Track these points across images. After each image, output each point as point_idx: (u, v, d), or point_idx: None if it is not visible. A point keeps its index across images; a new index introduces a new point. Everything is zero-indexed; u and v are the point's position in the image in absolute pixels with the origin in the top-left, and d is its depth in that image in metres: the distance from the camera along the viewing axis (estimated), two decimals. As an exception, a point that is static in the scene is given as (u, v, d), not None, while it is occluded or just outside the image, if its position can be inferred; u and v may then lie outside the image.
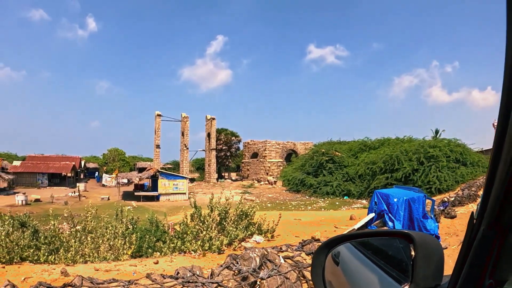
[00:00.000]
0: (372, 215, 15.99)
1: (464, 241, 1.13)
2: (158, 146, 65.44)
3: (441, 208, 20.00)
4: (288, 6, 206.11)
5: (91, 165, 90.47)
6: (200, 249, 12.57)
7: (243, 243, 13.99)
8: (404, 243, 1.55)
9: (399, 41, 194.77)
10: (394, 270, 1.75)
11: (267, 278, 7.84)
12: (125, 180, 55.74)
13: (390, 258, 1.88)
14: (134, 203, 39.72)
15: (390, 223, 14.95)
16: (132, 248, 12.69)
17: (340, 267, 2.26)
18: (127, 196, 47.42)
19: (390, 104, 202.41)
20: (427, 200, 16.09)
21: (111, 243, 12.53)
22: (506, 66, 0.81)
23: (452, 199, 22.97)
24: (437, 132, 46.94)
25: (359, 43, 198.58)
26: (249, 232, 15.15)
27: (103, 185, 66.53)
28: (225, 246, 13.34)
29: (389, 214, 15.12)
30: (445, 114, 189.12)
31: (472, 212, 1.12)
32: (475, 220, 1.08)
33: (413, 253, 1.39)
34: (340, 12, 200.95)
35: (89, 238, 12.43)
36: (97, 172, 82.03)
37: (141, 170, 62.82)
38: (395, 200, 15.04)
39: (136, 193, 46.18)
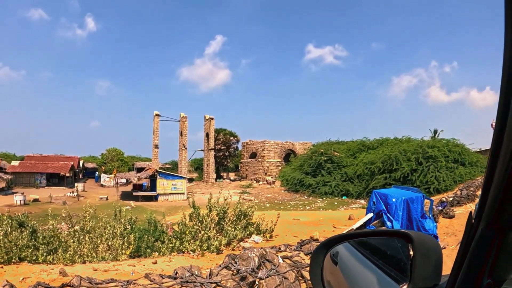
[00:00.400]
0: (370, 215, 15.99)
1: (462, 240, 1.13)
2: (156, 146, 65.48)
3: (440, 208, 20.03)
4: (287, 5, 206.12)
5: (89, 165, 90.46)
6: (199, 249, 12.58)
7: (241, 243, 13.99)
8: (402, 242, 1.56)
9: (398, 41, 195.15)
10: (393, 269, 1.75)
11: (265, 278, 7.84)
12: (124, 180, 55.64)
13: (389, 258, 1.89)
14: (132, 203, 39.74)
15: (388, 223, 14.96)
16: (131, 248, 12.69)
17: (339, 267, 2.27)
18: (126, 196, 47.45)
19: (389, 104, 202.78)
20: (426, 200, 16.10)
21: (110, 243, 12.53)
22: (504, 66, 0.81)
23: (451, 199, 22.98)
24: (435, 132, 47.05)
25: (358, 43, 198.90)
26: (248, 232, 15.15)
27: (102, 185, 66.52)
28: (224, 246, 13.35)
29: (388, 214, 15.12)
30: (443, 114, 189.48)
31: (471, 212, 1.12)
32: (473, 220, 1.08)
33: (411, 252, 1.40)
34: (339, 12, 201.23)
35: (87, 238, 12.42)
36: (96, 172, 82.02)
37: (139, 170, 62.72)
38: (394, 200, 15.04)
39: (134, 193, 46.17)
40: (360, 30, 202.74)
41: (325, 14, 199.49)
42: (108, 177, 68.15)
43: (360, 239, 2.29)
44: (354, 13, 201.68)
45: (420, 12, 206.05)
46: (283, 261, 9.20)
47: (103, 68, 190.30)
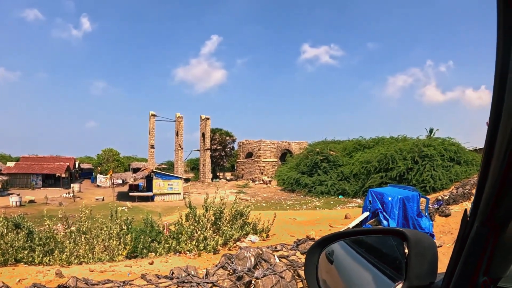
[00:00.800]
0: (366, 213, 16.05)
1: (457, 238, 1.13)
2: (152, 146, 65.34)
3: (436, 206, 20.10)
4: (282, 5, 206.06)
5: (85, 165, 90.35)
6: (195, 249, 12.57)
7: (238, 243, 14.00)
8: (397, 241, 1.55)
9: (394, 41, 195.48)
10: (388, 268, 1.75)
11: (262, 277, 7.85)
12: (120, 181, 55.74)
13: (384, 256, 1.88)
14: (128, 203, 39.51)
15: (384, 222, 15.00)
16: (127, 249, 12.67)
17: (334, 266, 2.26)
18: (122, 196, 47.35)
19: (385, 103, 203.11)
20: (422, 199, 16.16)
21: (106, 243, 12.51)
22: (496, 65, 0.81)
23: (447, 197, 23.10)
24: (431, 131, 47.07)
25: (354, 43, 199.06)
26: (244, 232, 15.16)
27: (98, 186, 66.38)
28: (220, 246, 13.35)
29: (384, 213, 15.17)
30: (439, 113, 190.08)
31: (466, 210, 1.13)
32: (468, 218, 1.08)
33: (406, 251, 1.39)
34: (335, 12, 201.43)
35: (83, 239, 12.41)
36: (93, 173, 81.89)
37: (135, 170, 62.84)
38: (390, 198, 15.10)
39: (130, 194, 46.09)
40: (356, 30, 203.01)
41: (320, 14, 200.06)
42: (104, 177, 68.01)
43: (355, 238, 2.29)
44: (350, 13, 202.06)
45: (416, 11, 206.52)
46: (280, 260, 9.21)
47: (99, 69, 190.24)
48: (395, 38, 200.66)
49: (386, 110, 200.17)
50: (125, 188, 53.30)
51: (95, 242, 12.51)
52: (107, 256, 11.92)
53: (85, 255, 11.78)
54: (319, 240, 2.15)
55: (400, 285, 1.46)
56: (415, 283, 1.33)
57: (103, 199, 44.62)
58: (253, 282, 7.82)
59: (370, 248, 2.11)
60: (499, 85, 0.82)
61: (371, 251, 2.07)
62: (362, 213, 16.65)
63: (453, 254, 1.14)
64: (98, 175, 72.10)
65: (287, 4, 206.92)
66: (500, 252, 1.04)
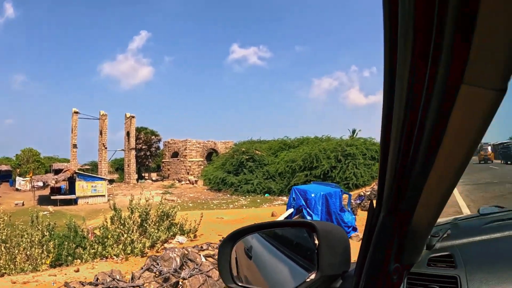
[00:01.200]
0: (290, 210, 16.39)
1: (365, 228, 1.20)
2: (75, 146, 63.25)
3: (358, 202, 21.01)
4: (213, 4, 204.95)
5: (3, 167, 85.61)
6: (122, 253, 12.40)
7: (166, 245, 13.93)
8: (309, 232, 1.64)
9: (321, 45, 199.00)
10: (302, 259, 1.84)
11: (189, 277, 7.89)
12: (41, 183, 53.38)
13: (298, 248, 1.97)
14: (50, 207, 38.07)
15: (308, 218, 15.38)
16: (51, 257, 12.30)
17: (253, 261, 2.34)
18: (43, 200, 45.41)
19: (310, 105, 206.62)
20: (344, 195, 16.75)
21: (28, 252, 12.07)
22: (384, 65, 0.89)
23: (368, 193, 24.23)
24: (354, 131, 48.50)
25: (282, 45, 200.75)
26: (172, 233, 15.11)
27: (17, 189, 63.13)
28: (148, 249, 13.25)
29: (307, 209, 15.57)
30: (362, 115, 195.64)
31: (371, 201, 1.21)
32: (374, 208, 1.16)
33: (316, 241, 1.48)
34: (265, 14, 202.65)
35: (3, 249, 11.89)
36: (12, 175, 77.93)
37: (57, 172, 60.40)
38: (313, 195, 15.53)
39: (52, 197, 44.16)
40: (285, 33, 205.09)
41: (251, 15, 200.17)
42: (23, 180, 64.95)
43: (268, 231, 2.37)
44: (279, 15, 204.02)
45: (343, 19, 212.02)
46: (206, 259, 9.28)
47: (19, 61, 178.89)
48: (322, 43, 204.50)
49: (312, 111, 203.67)
50: (46, 191, 51.12)
51: (16, 251, 12.02)
52: (30, 266, 11.52)
53: (6, 266, 11.33)
54: (230, 234, 2.20)
55: (314, 275, 1.55)
56: (328, 272, 1.42)
57: (23, 204, 42.54)
58: (180, 283, 7.85)
59: (285, 241, 2.20)
60: (389, 83, 0.90)
61: (286, 243, 2.16)
62: (287, 210, 16.98)
63: (363, 244, 1.22)
64: (17, 178, 68.66)
65: (218, 3, 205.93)
66: (409, 240, 1.12)
